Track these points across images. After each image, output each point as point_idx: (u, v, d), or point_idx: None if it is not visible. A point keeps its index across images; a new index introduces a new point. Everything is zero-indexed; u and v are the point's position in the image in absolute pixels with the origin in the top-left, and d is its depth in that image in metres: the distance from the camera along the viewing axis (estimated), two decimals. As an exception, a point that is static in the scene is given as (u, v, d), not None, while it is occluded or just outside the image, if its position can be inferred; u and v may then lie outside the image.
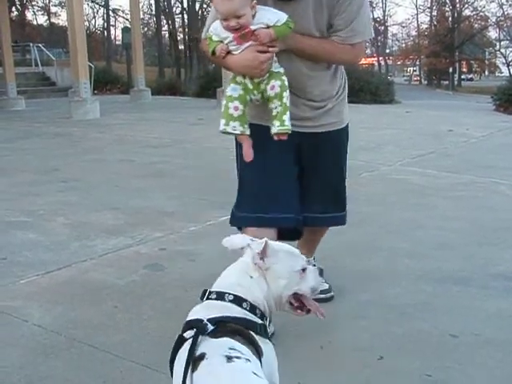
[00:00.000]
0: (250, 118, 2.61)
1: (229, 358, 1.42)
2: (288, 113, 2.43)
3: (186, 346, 1.51)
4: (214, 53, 2.43)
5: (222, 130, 2.47)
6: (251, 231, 2.74)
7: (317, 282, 1.83)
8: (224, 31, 2.37)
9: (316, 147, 2.76)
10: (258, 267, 1.70)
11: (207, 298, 1.67)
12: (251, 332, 1.59)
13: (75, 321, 2.88)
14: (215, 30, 2.42)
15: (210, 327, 1.53)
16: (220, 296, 1.66)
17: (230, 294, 1.65)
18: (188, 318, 1.64)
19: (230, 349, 1.46)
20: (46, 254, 3.87)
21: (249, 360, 1.45)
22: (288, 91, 2.45)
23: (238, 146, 2.68)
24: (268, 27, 2.35)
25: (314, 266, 2.39)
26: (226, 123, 2.44)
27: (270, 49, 2.38)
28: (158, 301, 3.11)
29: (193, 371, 1.43)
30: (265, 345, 1.61)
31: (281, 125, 2.42)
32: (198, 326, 1.54)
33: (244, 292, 1.67)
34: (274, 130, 2.43)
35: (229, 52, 2.41)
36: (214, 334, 1.52)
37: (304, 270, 1.78)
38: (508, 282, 3.35)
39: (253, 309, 1.66)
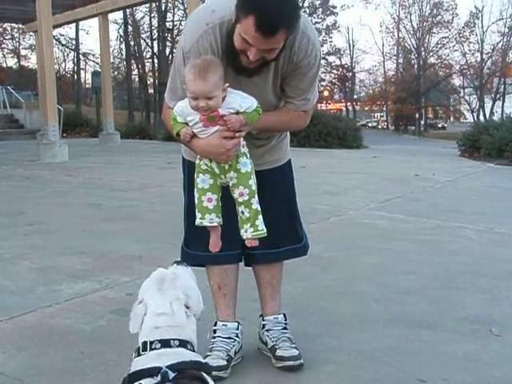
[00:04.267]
0: (189, 155, 2.64)
1: None
2: (260, 217, 2.39)
3: None
4: (178, 135, 2.39)
5: (199, 224, 2.43)
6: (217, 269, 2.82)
7: None
8: (190, 113, 2.31)
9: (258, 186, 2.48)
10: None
11: (151, 349, 1.64)
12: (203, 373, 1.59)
13: (39, 367, 2.81)
14: (181, 112, 2.35)
15: (171, 374, 1.51)
16: (165, 344, 1.63)
17: (174, 339, 1.64)
18: (137, 368, 1.59)
19: None
20: (11, 298, 3.80)
21: None
22: (257, 196, 2.40)
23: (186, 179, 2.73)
24: (237, 112, 2.30)
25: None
26: (202, 217, 2.41)
27: (237, 134, 2.33)
28: (125, 347, 3.06)
29: None
30: None
31: (254, 230, 2.38)
32: (159, 373, 1.52)
33: (184, 334, 1.67)
34: (246, 235, 2.40)
35: (194, 135, 2.36)
36: (176, 381, 1.51)
37: None
38: (474, 325, 3.37)
39: (193, 349, 1.68)
